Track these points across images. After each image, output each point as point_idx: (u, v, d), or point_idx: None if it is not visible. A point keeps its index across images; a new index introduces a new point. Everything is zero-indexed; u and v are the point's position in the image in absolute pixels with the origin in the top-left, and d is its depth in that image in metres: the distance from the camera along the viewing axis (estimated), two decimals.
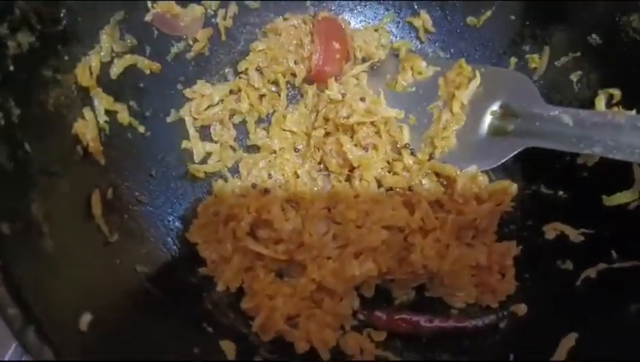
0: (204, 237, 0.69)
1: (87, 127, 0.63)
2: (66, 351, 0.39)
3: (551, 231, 0.74)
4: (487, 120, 0.77)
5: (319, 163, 0.79)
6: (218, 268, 0.67)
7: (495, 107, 0.77)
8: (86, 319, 0.45)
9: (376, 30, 0.90)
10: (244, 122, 0.83)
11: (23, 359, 0.73)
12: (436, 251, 0.68)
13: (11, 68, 0.54)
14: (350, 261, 0.66)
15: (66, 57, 0.62)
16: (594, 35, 0.75)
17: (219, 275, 0.67)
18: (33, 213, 0.50)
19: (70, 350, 0.39)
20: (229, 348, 0.59)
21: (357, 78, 0.86)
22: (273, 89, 0.85)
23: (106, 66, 0.68)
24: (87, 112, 0.64)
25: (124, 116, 0.70)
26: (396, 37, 0.92)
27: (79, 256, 0.53)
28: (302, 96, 0.87)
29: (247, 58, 0.83)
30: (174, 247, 0.70)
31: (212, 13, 0.81)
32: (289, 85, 0.86)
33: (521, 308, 0.69)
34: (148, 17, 0.73)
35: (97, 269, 0.55)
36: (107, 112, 0.67)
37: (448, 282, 0.69)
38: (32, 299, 0.41)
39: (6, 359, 0.72)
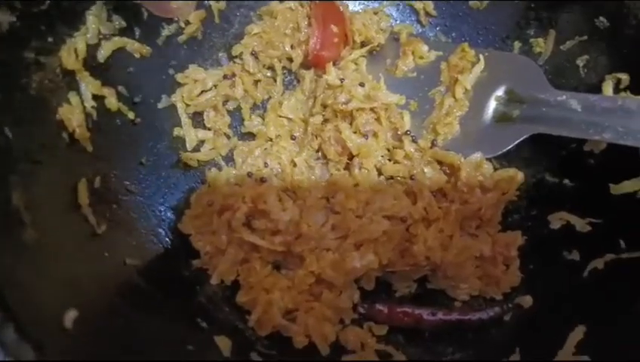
0: (197, 228, 0.66)
1: (72, 113, 0.60)
2: (49, 351, 0.36)
3: (556, 220, 0.72)
4: (492, 105, 0.74)
5: (317, 151, 0.76)
6: (212, 261, 0.64)
7: (500, 92, 0.74)
8: (71, 315, 0.42)
9: (375, 13, 0.87)
10: (238, 108, 0.80)
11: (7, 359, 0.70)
12: (439, 242, 0.65)
13: None
14: (350, 253, 0.63)
15: (50, 39, 0.59)
16: (601, 18, 0.73)
17: (213, 268, 0.64)
18: (13, 202, 0.47)
19: (53, 349, 0.36)
20: (224, 344, 0.56)
21: (356, 63, 0.83)
22: (269, 74, 0.82)
23: (92, 49, 0.65)
24: (72, 97, 0.61)
25: (112, 101, 0.66)
26: (396, 20, 0.89)
27: (64, 248, 0.50)
28: (298, 81, 0.84)
29: (241, 42, 0.80)
30: (166, 239, 0.67)
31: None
32: (285, 70, 0.83)
33: (527, 300, 0.67)
34: None
35: (84, 262, 0.52)
36: (94, 97, 0.64)
37: (451, 274, 0.67)
38: (10, 294, 0.38)
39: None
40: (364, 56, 0.84)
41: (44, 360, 0.35)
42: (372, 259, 0.62)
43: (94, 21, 0.64)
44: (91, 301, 0.47)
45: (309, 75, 0.82)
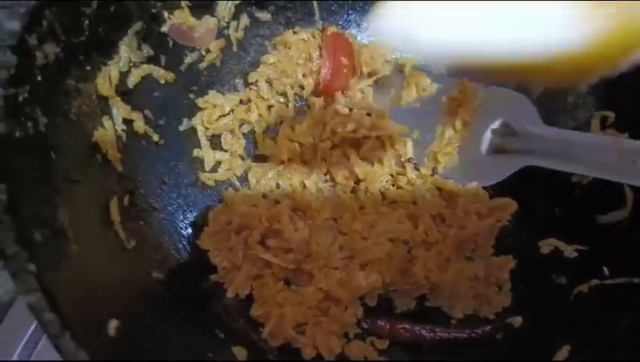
0: (215, 244, 0.71)
1: (106, 136, 0.65)
2: (99, 356, 0.41)
3: (546, 246, 0.77)
4: (488, 137, 0.80)
5: (325, 174, 0.82)
6: (228, 275, 0.69)
7: (496, 125, 0.80)
8: (113, 324, 0.47)
9: (380, 45, 0.93)
10: (252, 132, 0.86)
11: (32, 359, 0.74)
12: (438, 264, 0.71)
13: (39, 78, 0.55)
14: (356, 272, 0.68)
15: (88, 67, 0.64)
16: None
17: (229, 282, 0.69)
18: (60, 219, 0.52)
19: (101, 354, 0.41)
20: (240, 353, 0.61)
21: (363, 92, 0.89)
22: (281, 100, 0.88)
23: (123, 76, 0.70)
24: (106, 121, 0.66)
25: (139, 125, 0.71)
26: (401, 52, 0.95)
27: (101, 262, 0.55)
28: (309, 107, 0.89)
29: (257, 70, 0.85)
30: (186, 254, 0.72)
31: (225, 24, 0.83)
32: (297, 97, 0.88)
33: (517, 320, 0.72)
34: (165, 28, 0.75)
35: (117, 275, 0.57)
36: (124, 121, 0.69)
37: (448, 293, 0.72)
38: (64, 304, 0.43)
39: (14, 359, 0.74)
40: (370, 86, 0.90)
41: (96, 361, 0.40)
42: (376, 278, 0.67)
43: (126, 50, 0.70)
44: (127, 311, 0.51)
45: (318, 102, 0.87)
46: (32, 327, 0.77)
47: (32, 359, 0.73)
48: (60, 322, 0.40)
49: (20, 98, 0.52)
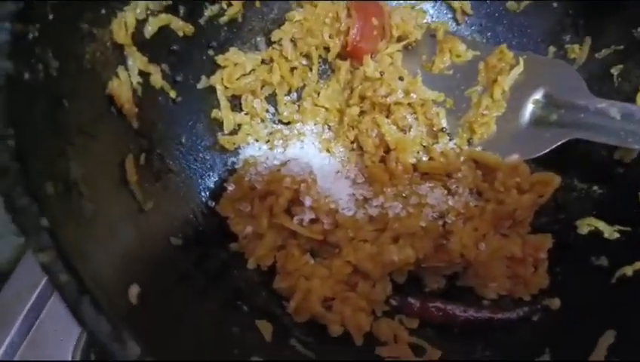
0: (235, 211, 0.65)
1: (121, 88, 0.59)
2: (121, 325, 0.36)
3: (584, 226, 0.73)
4: (529, 109, 0.74)
5: (352, 142, 0.77)
6: (250, 245, 0.64)
7: (538, 96, 0.74)
8: (134, 291, 0.42)
9: (412, 8, 0.87)
10: (273, 94, 0.80)
11: (15, 359, 0.69)
12: (474, 240, 0.66)
13: (50, 17, 0.49)
14: (387, 246, 0.63)
15: (103, 11, 0.58)
16: (639, 29, 0.73)
17: (250, 252, 0.64)
18: (73, 173, 0.46)
19: (124, 324, 0.36)
20: (265, 328, 0.56)
21: (391, 57, 0.83)
22: (304, 62, 0.82)
23: (140, 25, 0.64)
24: (121, 72, 0.60)
25: (156, 79, 0.66)
26: (432, 17, 0.89)
27: (117, 223, 0.50)
28: (333, 71, 0.84)
29: (281, 28, 0.79)
30: (204, 220, 0.67)
31: None
32: (320, 59, 0.83)
33: (555, 303, 0.68)
34: None
35: (135, 239, 0.52)
36: (140, 73, 0.63)
37: (482, 272, 0.68)
38: (81, 266, 0.37)
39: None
40: (399, 50, 0.84)
41: (119, 334, 0.35)
42: (410, 254, 0.63)
43: None
44: (147, 277, 0.46)
45: (345, 65, 0.81)
46: (32, 301, 0.72)
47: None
48: (77, 285, 0.35)
49: (30, 36, 0.46)
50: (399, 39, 0.84)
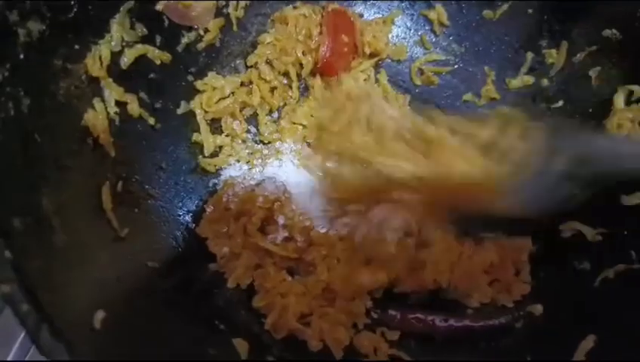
0: (214, 232, 0.67)
1: (97, 119, 0.61)
2: (81, 351, 0.37)
3: (567, 230, 0.72)
4: None
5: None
6: (228, 264, 0.66)
7: None
8: (99, 316, 0.44)
9: (383, 22, 0.88)
10: (254, 115, 0.82)
11: (26, 359, 0.71)
12: (448, 265, 0.66)
13: (21, 56, 0.52)
14: (359, 268, 0.64)
15: (77, 46, 0.61)
16: (613, 30, 0.74)
17: (229, 271, 0.66)
18: (44, 206, 0.48)
19: (84, 349, 0.38)
20: (242, 346, 0.57)
21: (366, 73, 0.85)
22: (285, 81, 0.83)
23: (116, 56, 0.66)
24: (97, 103, 0.62)
25: (134, 107, 0.68)
26: (410, 30, 0.90)
27: (90, 251, 0.52)
28: (306, 89, 0.85)
29: (255, 52, 0.81)
30: (184, 243, 0.68)
31: (224, 3, 0.79)
32: (300, 77, 0.84)
33: (537, 309, 0.68)
34: (159, 6, 0.71)
35: (108, 265, 0.54)
36: (117, 103, 0.65)
37: (462, 287, 0.68)
38: (44, 295, 0.39)
39: (8, 359, 0.71)
40: (373, 67, 0.85)
41: (77, 359, 0.36)
42: (382, 278, 0.63)
43: (118, 29, 0.66)
44: (117, 302, 0.48)
45: (317, 82, 0.83)
46: None
47: (26, 359, 0.69)
48: (37, 315, 0.37)
49: (0, 77, 0.49)
50: (371, 55, 0.86)
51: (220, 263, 0.66)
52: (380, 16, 0.89)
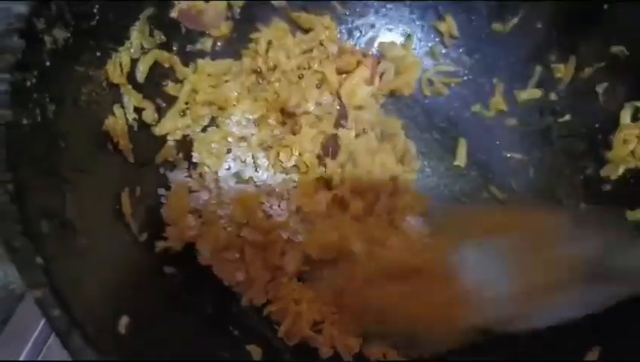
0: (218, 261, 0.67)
1: (117, 124, 0.62)
2: (110, 355, 0.38)
3: None
4: None
5: None
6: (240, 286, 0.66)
7: None
8: (124, 321, 0.45)
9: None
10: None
11: (39, 359, 0.72)
12: None
13: (47, 63, 0.53)
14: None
15: (98, 53, 0.62)
16: (621, 47, 0.75)
17: (242, 291, 0.66)
18: (68, 210, 0.49)
19: (112, 354, 0.39)
20: (255, 352, 0.58)
21: None
22: None
23: (134, 63, 0.68)
24: (117, 109, 0.64)
25: (149, 114, 0.69)
26: (420, 41, 0.92)
27: (111, 256, 0.53)
28: None
29: None
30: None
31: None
32: None
33: None
34: (174, 13, 0.73)
35: (128, 270, 0.55)
36: (135, 109, 0.67)
37: None
38: (73, 300, 0.40)
39: (21, 359, 0.72)
40: None
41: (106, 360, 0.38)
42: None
43: (138, 36, 0.67)
44: (139, 308, 0.49)
45: None
46: (42, 323, 0.74)
47: (39, 359, 0.70)
48: (68, 319, 0.38)
49: (28, 84, 0.50)
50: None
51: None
52: (392, 27, 0.91)
